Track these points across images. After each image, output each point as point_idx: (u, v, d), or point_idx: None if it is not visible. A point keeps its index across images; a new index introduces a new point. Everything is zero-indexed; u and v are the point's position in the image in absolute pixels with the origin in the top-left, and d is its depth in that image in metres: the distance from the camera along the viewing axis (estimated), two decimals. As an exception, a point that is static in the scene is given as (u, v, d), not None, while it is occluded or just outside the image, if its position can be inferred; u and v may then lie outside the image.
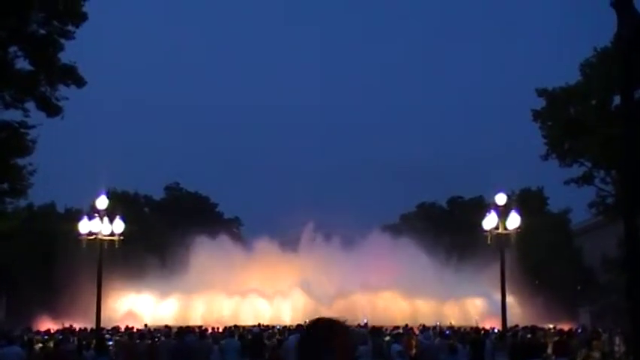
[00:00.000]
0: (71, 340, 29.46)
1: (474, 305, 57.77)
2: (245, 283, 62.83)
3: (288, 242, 70.43)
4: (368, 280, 59.66)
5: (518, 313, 56.43)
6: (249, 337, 29.17)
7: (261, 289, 61.49)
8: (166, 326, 37.02)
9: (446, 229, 77.83)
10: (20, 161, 36.04)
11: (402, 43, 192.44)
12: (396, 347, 24.37)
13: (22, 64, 33.77)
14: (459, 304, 59.30)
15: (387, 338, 27.56)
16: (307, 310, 55.67)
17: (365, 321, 43.56)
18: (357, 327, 37.76)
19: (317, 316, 4.37)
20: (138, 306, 59.71)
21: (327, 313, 44.59)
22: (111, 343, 29.31)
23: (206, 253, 65.44)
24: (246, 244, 72.59)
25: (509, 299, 48.75)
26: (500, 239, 30.95)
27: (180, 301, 61.02)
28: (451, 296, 59.78)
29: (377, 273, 60.48)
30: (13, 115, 34.14)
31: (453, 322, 44.71)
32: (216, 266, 62.94)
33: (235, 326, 35.28)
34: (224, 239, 70.58)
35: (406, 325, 36.02)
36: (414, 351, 26.18)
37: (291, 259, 66.93)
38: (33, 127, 34.55)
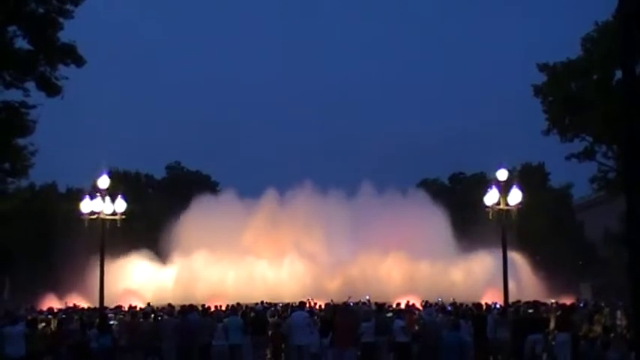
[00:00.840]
0: (74, 320, 29.56)
1: (481, 263, 56.94)
2: (242, 246, 62.20)
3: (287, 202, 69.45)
4: (370, 244, 59.10)
5: (527, 271, 56.57)
6: (252, 314, 29.26)
7: (260, 253, 61.09)
8: (169, 305, 37.20)
9: (447, 206, 77.83)
10: (21, 141, 36.08)
11: (401, 18, 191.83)
12: (399, 323, 24.50)
13: (21, 43, 33.68)
14: (466, 262, 58.77)
15: (390, 314, 27.69)
16: (307, 277, 55.42)
17: (367, 297, 43.63)
18: (358, 304, 37.92)
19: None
20: (138, 274, 59.41)
21: (329, 281, 44.61)
22: (112, 322, 29.41)
23: (204, 213, 64.93)
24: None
25: (516, 256, 48.76)
26: (502, 215, 30.96)
27: (181, 266, 60.64)
28: (457, 256, 59.48)
29: (380, 235, 59.84)
30: (14, 95, 34.11)
31: (456, 297, 44.74)
32: (215, 227, 62.27)
33: (238, 304, 35.39)
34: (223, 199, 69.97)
35: (408, 302, 36.18)
36: (416, 327, 26.28)
37: (290, 220, 66.02)
38: (33, 106, 34.52)
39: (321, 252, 60.30)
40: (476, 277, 54.33)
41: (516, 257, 50.29)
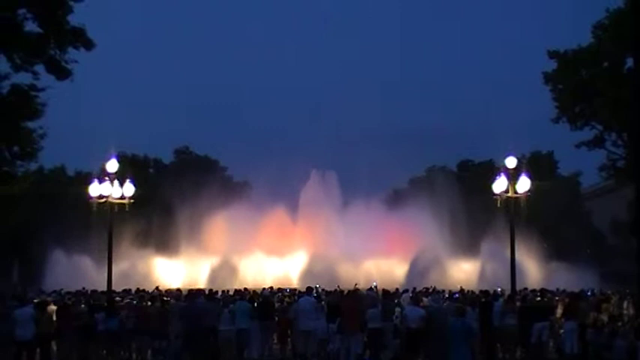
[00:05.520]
0: (82, 303, 29.63)
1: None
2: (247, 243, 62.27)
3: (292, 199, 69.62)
4: (372, 247, 59.16)
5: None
6: (260, 299, 29.28)
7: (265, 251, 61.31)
8: (177, 289, 37.21)
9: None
10: (30, 124, 36.15)
11: (412, 3, 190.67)
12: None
13: (31, 26, 33.72)
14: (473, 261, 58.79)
15: (396, 301, 27.70)
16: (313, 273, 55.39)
17: (375, 284, 43.63)
18: (367, 290, 37.93)
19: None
20: (147, 267, 59.79)
21: (332, 277, 44.28)
22: (122, 305, 29.44)
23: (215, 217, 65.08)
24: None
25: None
26: (510, 203, 30.87)
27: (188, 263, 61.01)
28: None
29: (379, 240, 59.95)
30: (23, 78, 34.16)
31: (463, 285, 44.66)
32: (225, 229, 62.53)
33: (245, 289, 35.41)
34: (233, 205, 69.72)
35: (414, 289, 36.13)
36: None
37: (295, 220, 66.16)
38: (43, 90, 34.58)
39: (324, 251, 60.08)
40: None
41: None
